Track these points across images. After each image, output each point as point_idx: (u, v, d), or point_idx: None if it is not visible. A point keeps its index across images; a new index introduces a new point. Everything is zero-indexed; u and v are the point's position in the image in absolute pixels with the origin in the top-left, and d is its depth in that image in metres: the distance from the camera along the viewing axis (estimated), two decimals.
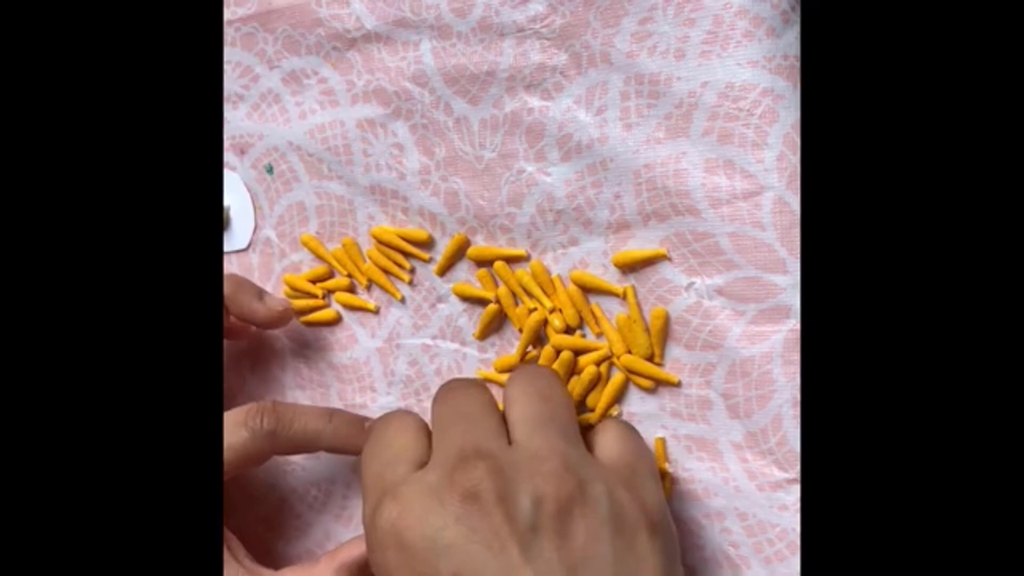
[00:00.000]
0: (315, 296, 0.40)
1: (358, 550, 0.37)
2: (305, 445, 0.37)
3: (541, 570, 0.27)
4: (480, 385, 0.34)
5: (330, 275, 0.40)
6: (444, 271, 0.38)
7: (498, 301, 0.36)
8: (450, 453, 0.30)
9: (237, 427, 0.35)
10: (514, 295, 0.36)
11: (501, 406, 0.33)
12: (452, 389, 0.33)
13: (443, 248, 0.37)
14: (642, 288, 0.34)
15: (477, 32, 0.35)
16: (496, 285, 0.37)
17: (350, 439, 0.37)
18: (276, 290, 0.41)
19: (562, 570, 0.27)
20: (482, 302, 0.37)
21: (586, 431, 0.33)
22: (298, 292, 0.40)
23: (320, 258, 0.40)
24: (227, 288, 0.39)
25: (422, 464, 0.31)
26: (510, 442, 0.31)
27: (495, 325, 0.37)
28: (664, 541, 0.30)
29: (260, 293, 0.39)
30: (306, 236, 0.40)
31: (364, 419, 0.37)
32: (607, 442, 0.32)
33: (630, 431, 0.33)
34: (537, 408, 0.32)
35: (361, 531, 0.38)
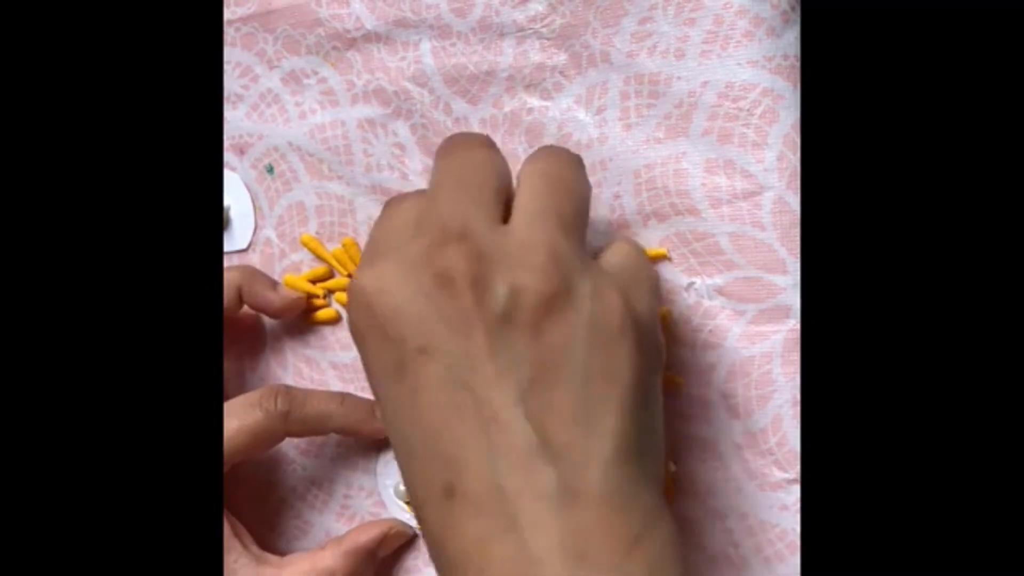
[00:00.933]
0: (316, 296, 0.40)
1: (365, 536, 0.37)
2: (317, 427, 0.37)
3: (507, 362, 0.26)
4: (489, 146, 0.31)
5: (330, 275, 0.40)
6: None
7: None
8: (435, 224, 0.28)
9: (251, 408, 0.36)
10: None
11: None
12: (457, 145, 0.31)
13: None
14: None
15: (477, 32, 0.35)
16: None
17: (361, 422, 0.37)
18: None
19: (528, 367, 0.26)
20: None
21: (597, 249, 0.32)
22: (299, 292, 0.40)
23: (320, 258, 0.40)
24: (241, 278, 0.39)
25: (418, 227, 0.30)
26: (505, 222, 0.29)
27: None
28: (646, 355, 0.28)
29: (273, 283, 0.40)
30: (306, 236, 0.40)
31: (374, 402, 0.38)
32: (613, 250, 0.31)
33: (639, 250, 0.32)
34: (544, 195, 0.29)
35: (363, 491, 0.39)
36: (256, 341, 0.42)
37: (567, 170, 0.30)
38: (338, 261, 0.39)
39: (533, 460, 0.26)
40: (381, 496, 0.39)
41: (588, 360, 0.27)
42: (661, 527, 0.26)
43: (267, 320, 0.41)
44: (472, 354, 0.27)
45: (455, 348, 0.27)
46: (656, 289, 0.30)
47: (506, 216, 0.29)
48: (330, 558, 0.36)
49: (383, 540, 0.37)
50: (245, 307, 0.40)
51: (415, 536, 0.38)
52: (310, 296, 0.40)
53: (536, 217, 0.29)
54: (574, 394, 0.27)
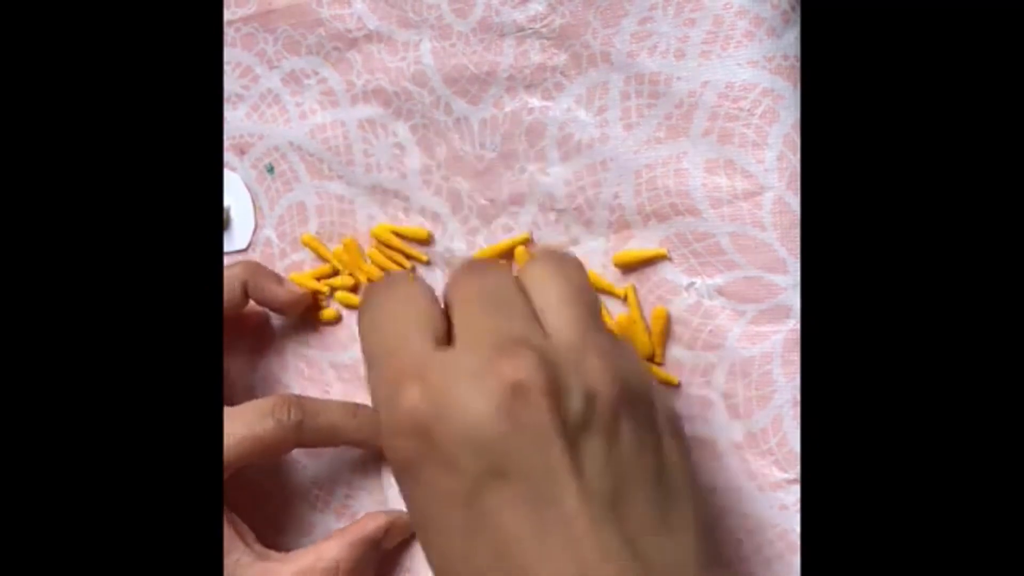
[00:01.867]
0: (322, 292, 0.40)
1: (372, 524, 0.36)
2: (329, 439, 0.37)
3: (590, 473, 0.25)
4: (502, 266, 0.31)
5: (334, 273, 0.40)
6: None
7: None
8: (486, 336, 0.27)
9: (263, 416, 0.35)
10: None
11: None
12: (472, 269, 0.30)
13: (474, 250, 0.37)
14: (642, 288, 0.34)
15: (477, 32, 0.35)
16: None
17: (373, 435, 0.37)
18: None
19: (610, 476, 0.25)
20: None
21: None
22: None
23: (321, 257, 0.40)
24: (246, 273, 0.38)
25: (442, 339, 0.28)
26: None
27: None
28: (686, 444, 0.28)
29: (279, 279, 0.39)
30: (307, 236, 0.40)
31: None
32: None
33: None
34: (569, 295, 0.28)
35: (364, 491, 0.38)
36: (256, 341, 0.42)
37: (576, 268, 0.30)
38: (339, 261, 0.39)
39: (626, 573, 0.24)
40: (386, 494, 0.39)
41: (656, 460, 0.27)
42: None
43: (267, 320, 0.41)
44: (555, 469, 0.25)
45: (537, 464, 0.25)
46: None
47: None
48: (334, 549, 0.35)
49: (388, 530, 0.37)
50: (250, 305, 0.40)
51: None
52: (315, 293, 0.40)
53: (572, 320, 0.28)
54: (651, 500, 0.26)
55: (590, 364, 0.26)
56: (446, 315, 0.29)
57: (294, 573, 0.35)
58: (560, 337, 0.27)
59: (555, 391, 0.25)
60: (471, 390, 0.25)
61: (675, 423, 0.29)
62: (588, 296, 0.29)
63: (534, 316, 0.28)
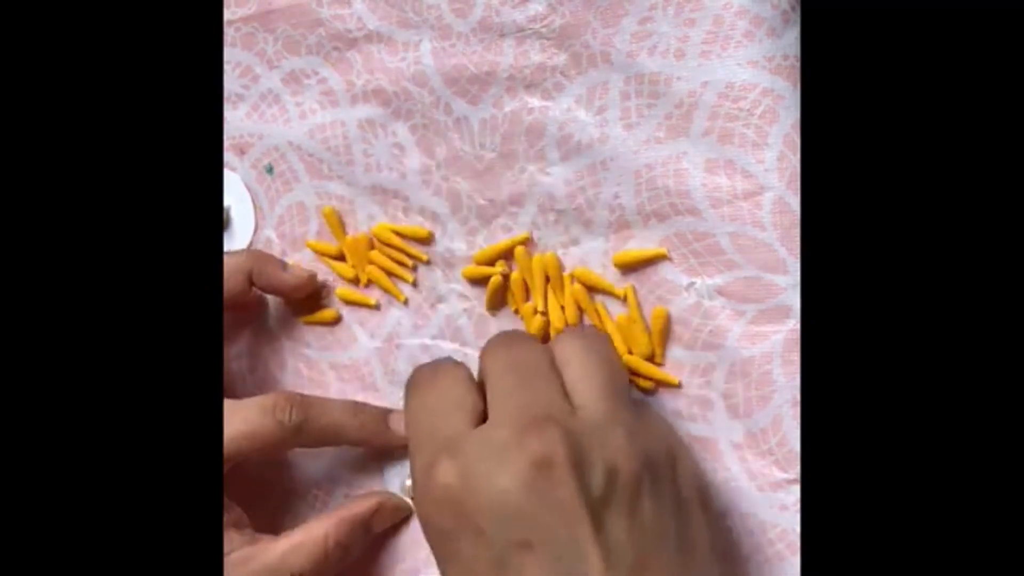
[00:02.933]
0: (342, 260, 0.39)
1: (358, 507, 0.36)
2: (330, 439, 0.37)
3: (612, 546, 0.26)
4: (534, 340, 0.32)
5: (340, 256, 0.39)
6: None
7: (505, 277, 0.36)
8: (515, 412, 0.28)
9: (264, 414, 0.35)
10: (526, 287, 0.36)
11: None
12: (506, 342, 0.32)
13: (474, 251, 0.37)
14: (642, 288, 0.34)
15: (477, 32, 0.35)
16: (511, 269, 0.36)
17: (374, 435, 0.37)
18: None
19: (631, 549, 0.26)
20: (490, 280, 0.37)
21: None
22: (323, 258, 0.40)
23: (324, 255, 0.40)
24: (250, 262, 0.38)
25: (479, 417, 0.30)
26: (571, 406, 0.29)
27: (500, 299, 0.37)
28: (712, 515, 0.29)
29: (284, 264, 0.39)
30: (311, 242, 0.40)
31: (388, 411, 0.38)
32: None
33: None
34: (598, 371, 0.30)
35: (363, 490, 0.38)
36: (256, 342, 0.42)
37: (605, 346, 0.32)
38: (348, 249, 0.39)
39: None
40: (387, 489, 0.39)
41: (677, 534, 0.28)
42: None
43: (267, 321, 0.41)
44: (579, 541, 0.26)
45: (562, 537, 0.26)
46: (692, 454, 0.32)
47: None
48: (324, 527, 0.35)
49: (377, 511, 0.37)
50: (250, 305, 0.40)
51: (411, 516, 0.38)
52: (321, 285, 0.40)
53: (600, 395, 0.29)
54: (673, 570, 0.27)
55: (614, 440, 0.28)
56: (482, 388, 0.31)
57: (284, 550, 0.35)
58: (586, 412, 0.29)
59: (579, 465, 0.27)
60: (499, 465, 0.27)
61: (703, 492, 0.30)
62: (615, 371, 0.31)
63: (563, 391, 0.30)
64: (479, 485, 0.27)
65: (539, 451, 0.27)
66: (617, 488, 0.27)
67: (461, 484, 0.27)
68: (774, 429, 0.33)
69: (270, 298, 0.41)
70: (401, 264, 0.38)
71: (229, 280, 0.38)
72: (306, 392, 0.40)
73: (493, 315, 0.37)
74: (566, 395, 0.30)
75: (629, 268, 0.34)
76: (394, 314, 0.39)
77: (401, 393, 0.39)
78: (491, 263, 0.37)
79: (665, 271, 0.34)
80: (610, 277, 0.35)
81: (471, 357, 0.37)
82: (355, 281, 0.39)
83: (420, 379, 0.32)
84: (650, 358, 0.34)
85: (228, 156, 0.41)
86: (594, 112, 0.34)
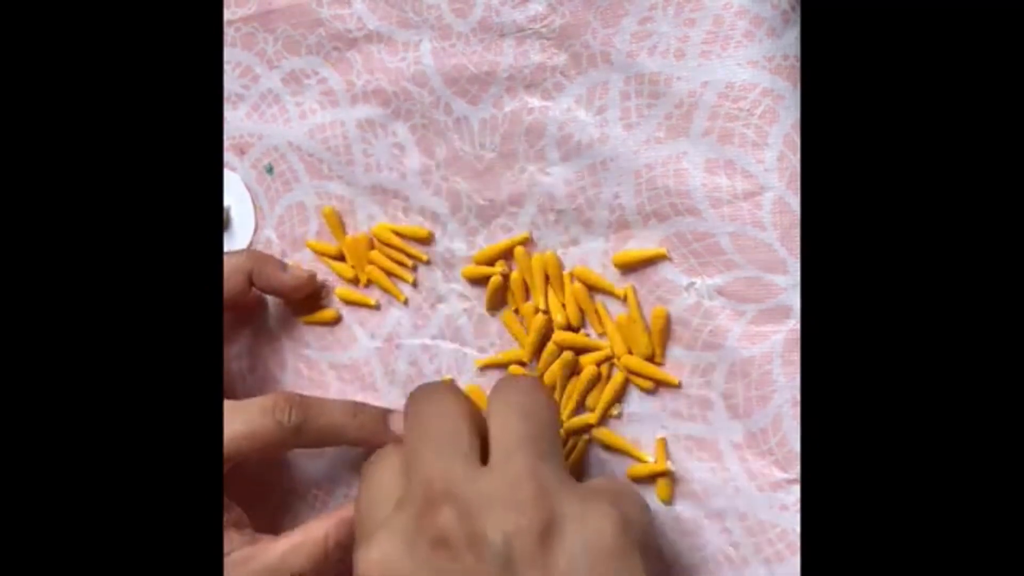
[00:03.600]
0: (342, 260, 0.39)
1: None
2: (329, 440, 0.37)
3: None
4: (453, 393, 0.32)
5: (340, 257, 0.39)
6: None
7: (505, 277, 0.36)
8: (418, 490, 0.29)
9: (263, 414, 0.35)
10: (526, 287, 0.36)
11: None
12: (422, 400, 0.32)
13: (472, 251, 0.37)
14: (642, 288, 0.34)
15: (477, 32, 0.35)
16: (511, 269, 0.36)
17: (375, 435, 0.37)
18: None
19: None
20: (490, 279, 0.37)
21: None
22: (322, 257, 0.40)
23: (324, 255, 0.40)
24: (250, 262, 0.38)
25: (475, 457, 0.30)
26: (486, 461, 0.30)
27: (500, 299, 0.37)
28: (649, 560, 0.29)
29: (283, 265, 0.40)
30: (311, 242, 0.40)
31: (388, 411, 0.38)
32: (597, 480, 0.32)
33: (625, 483, 0.34)
34: (517, 426, 0.30)
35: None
36: (256, 342, 0.42)
37: (530, 396, 0.31)
38: (348, 249, 0.39)
39: None
40: None
41: None
42: None
43: (266, 321, 0.41)
44: None
45: None
46: (645, 505, 0.31)
47: (484, 451, 0.30)
48: (323, 526, 0.35)
49: None
50: (250, 305, 0.40)
51: None
52: (321, 284, 0.40)
53: (514, 450, 0.29)
54: None
55: (516, 499, 0.28)
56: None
57: (284, 550, 0.35)
58: (497, 471, 0.29)
59: (474, 538, 0.28)
60: (403, 547, 0.28)
61: (636, 536, 0.29)
62: (539, 426, 0.31)
63: (473, 448, 0.30)
64: (387, 571, 0.28)
65: (434, 532, 0.28)
66: (518, 549, 0.27)
67: (380, 571, 0.28)
68: (774, 429, 0.33)
69: (270, 298, 0.41)
70: (401, 264, 0.38)
71: (229, 280, 0.38)
72: (306, 392, 0.40)
73: (493, 315, 0.37)
74: (480, 449, 0.30)
75: (629, 268, 0.34)
76: (394, 314, 0.39)
77: (402, 393, 0.39)
78: (491, 263, 0.37)
79: (665, 271, 0.34)
80: (610, 277, 0.35)
81: (470, 357, 0.37)
82: (355, 281, 0.39)
83: (366, 468, 0.33)
84: (650, 358, 0.34)
85: (228, 156, 0.41)
86: (594, 112, 0.34)
